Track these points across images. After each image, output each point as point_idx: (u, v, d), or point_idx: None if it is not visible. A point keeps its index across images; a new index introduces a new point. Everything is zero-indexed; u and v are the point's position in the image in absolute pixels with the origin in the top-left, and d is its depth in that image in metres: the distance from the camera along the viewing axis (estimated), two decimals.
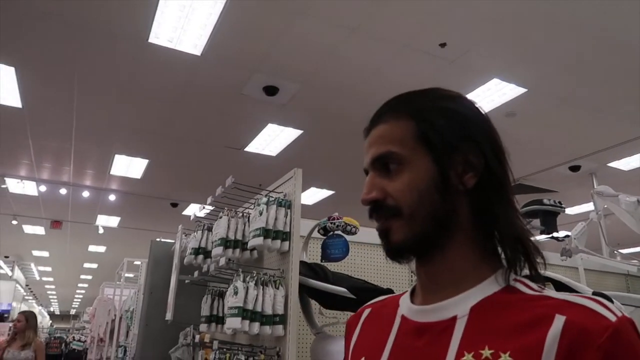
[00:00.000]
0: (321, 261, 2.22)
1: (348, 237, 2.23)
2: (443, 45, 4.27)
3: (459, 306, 0.66)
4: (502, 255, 0.68)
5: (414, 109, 0.72)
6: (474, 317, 0.64)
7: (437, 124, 0.70)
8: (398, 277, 2.71)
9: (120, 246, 13.06)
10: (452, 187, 0.68)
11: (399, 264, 0.71)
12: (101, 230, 11.14)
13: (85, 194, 8.62)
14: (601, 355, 0.54)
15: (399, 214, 0.68)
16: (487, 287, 0.66)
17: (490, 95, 5.05)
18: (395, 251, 0.70)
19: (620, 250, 4.45)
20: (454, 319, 0.65)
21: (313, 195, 8.46)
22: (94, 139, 6.61)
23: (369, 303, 0.85)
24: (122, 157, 7.19)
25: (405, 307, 0.74)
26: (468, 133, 0.70)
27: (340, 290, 1.96)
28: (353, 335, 0.82)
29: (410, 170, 0.69)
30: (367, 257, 2.69)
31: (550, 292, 0.64)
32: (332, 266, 2.24)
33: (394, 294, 0.82)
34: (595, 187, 5.06)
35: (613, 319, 0.56)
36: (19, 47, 4.48)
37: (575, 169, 6.92)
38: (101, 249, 14.09)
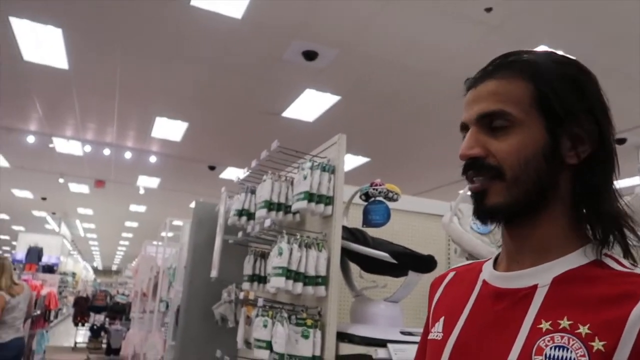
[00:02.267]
0: (362, 226, 2.26)
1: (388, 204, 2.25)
2: (489, 10, 4.12)
3: (542, 275, 0.65)
4: (590, 232, 0.67)
5: (534, 70, 0.68)
6: (555, 288, 0.63)
7: (560, 90, 0.66)
8: (436, 246, 2.72)
9: (159, 206, 13.48)
10: (560, 157, 0.66)
11: (484, 225, 0.72)
12: (142, 191, 11.52)
13: (127, 154, 8.89)
14: None
15: (501, 176, 0.66)
16: (574, 260, 0.65)
17: None
18: (488, 213, 0.68)
19: None
20: (534, 287, 0.65)
21: (348, 162, 8.45)
22: (136, 101, 6.77)
23: (454, 266, 0.86)
24: (163, 120, 7.35)
25: (488, 272, 0.74)
26: (588, 104, 0.66)
27: (382, 254, 2.00)
28: (435, 295, 0.84)
29: (520, 134, 0.65)
30: (406, 224, 2.72)
31: None
32: (370, 232, 2.28)
33: (480, 260, 0.81)
34: None
35: None
36: (66, 10, 4.59)
37: (621, 142, 6.66)
38: (142, 208, 14.59)
